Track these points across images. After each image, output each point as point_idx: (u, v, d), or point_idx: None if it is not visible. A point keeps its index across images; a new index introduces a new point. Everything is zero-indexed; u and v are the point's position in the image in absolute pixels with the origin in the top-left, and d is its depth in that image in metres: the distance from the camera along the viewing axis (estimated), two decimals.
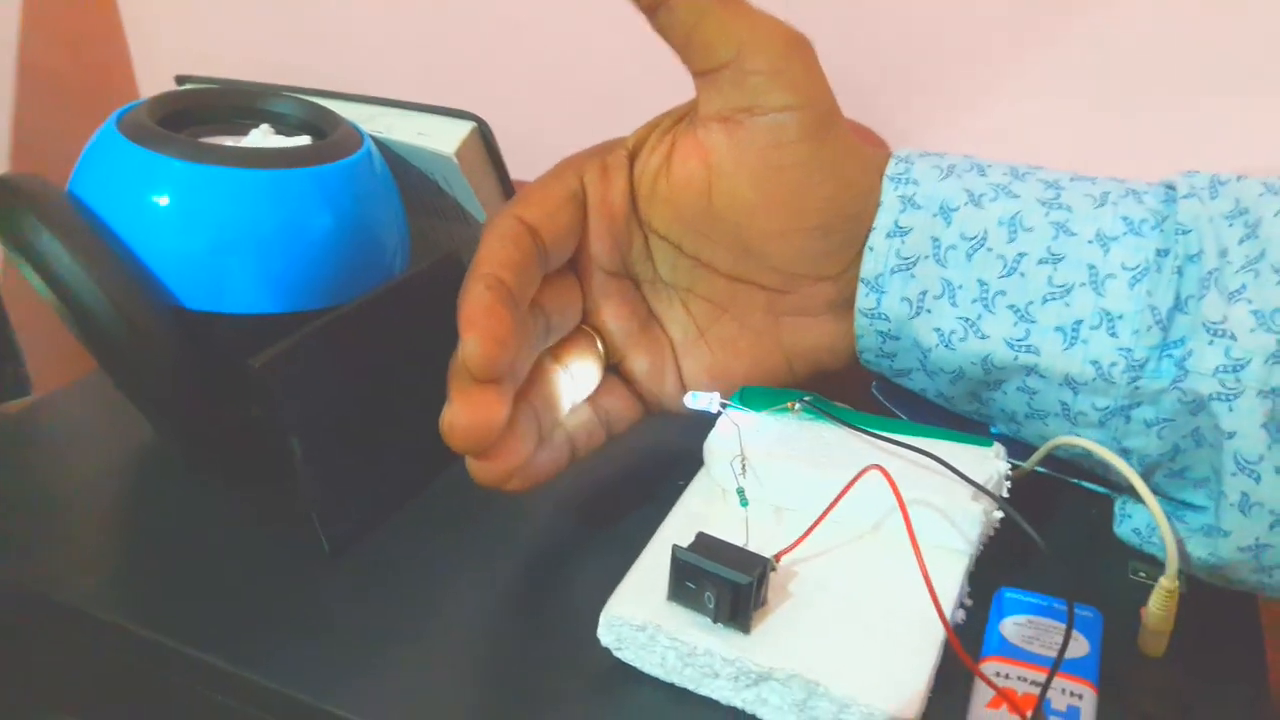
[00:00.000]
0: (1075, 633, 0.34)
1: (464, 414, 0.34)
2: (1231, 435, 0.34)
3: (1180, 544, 0.37)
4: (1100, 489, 0.43)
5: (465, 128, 0.47)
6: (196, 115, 0.44)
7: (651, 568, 0.36)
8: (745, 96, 0.38)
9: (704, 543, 0.34)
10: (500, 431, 0.35)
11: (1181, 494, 0.38)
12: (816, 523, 0.35)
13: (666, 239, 0.41)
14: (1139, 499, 0.37)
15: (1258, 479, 0.34)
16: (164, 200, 0.39)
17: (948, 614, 0.34)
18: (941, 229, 0.38)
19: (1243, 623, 0.39)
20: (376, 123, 0.48)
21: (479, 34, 0.56)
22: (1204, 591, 0.38)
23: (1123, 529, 0.40)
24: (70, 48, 0.64)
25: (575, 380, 0.40)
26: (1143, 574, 0.40)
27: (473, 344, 0.33)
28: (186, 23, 0.63)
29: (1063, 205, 0.38)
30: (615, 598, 0.35)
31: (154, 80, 0.66)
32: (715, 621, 0.33)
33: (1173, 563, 0.35)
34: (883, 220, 0.39)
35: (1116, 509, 0.41)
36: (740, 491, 0.37)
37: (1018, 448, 0.41)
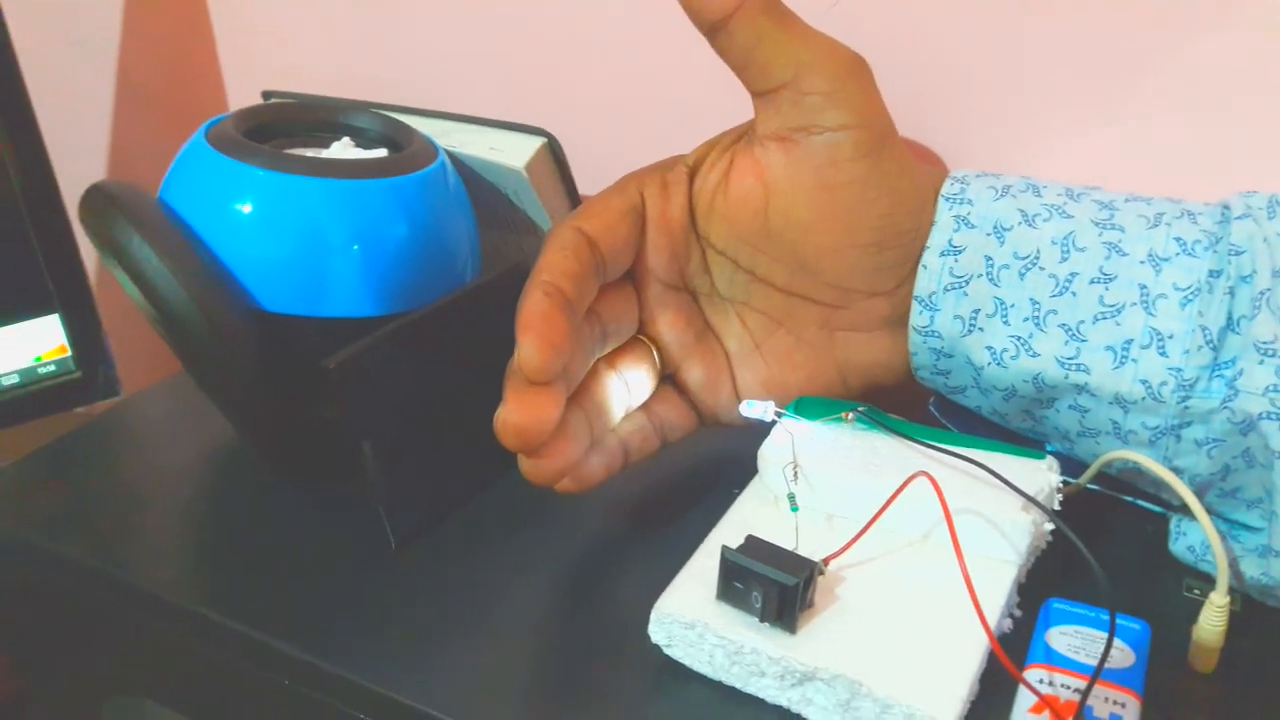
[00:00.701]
0: (1121, 643, 0.34)
1: (517, 413, 0.35)
2: None
3: (1234, 563, 0.37)
4: (1155, 508, 0.43)
5: (535, 143, 0.49)
6: (281, 128, 0.47)
7: (702, 568, 0.37)
8: (802, 116, 0.39)
9: (753, 545, 0.35)
10: (551, 431, 0.36)
11: (1235, 514, 0.38)
12: (865, 528, 0.36)
13: (724, 254, 0.42)
14: (1193, 517, 0.37)
15: None
16: (248, 208, 0.41)
17: (993, 623, 0.34)
18: (995, 248, 0.39)
19: None
20: (451, 138, 0.50)
21: (550, 52, 0.58)
22: (1258, 610, 0.38)
23: (1177, 546, 0.41)
24: (165, 62, 0.67)
25: (630, 387, 0.41)
26: (1196, 591, 0.40)
27: (528, 346, 0.35)
28: (274, 39, 0.66)
29: (1116, 225, 0.38)
30: (666, 596, 0.36)
31: (243, 94, 0.69)
32: (762, 621, 0.34)
33: (1224, 578, 0.35)
34: (937, 239, 0.40)
35: (1171, 527, 0.41)
36: (791, 496, 0.38)
37: (1073, 466, 0.42)
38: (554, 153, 0.49)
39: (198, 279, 0.40)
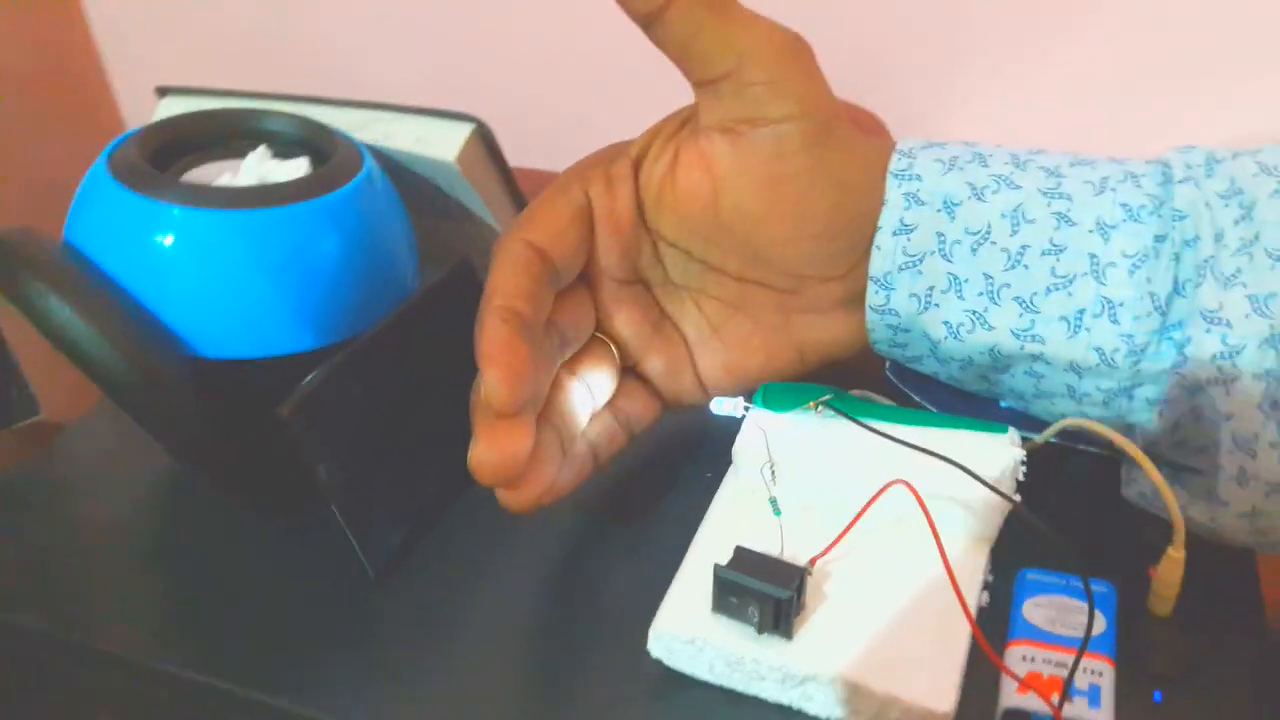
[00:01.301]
0: (1100, 613, 0.36)
1: (491, 451, 0.35)
2: (1229, 417, 0.36)
3: (1184, 508, 0.39)
4: (1104, 453, 0.45)
5: (464, 130, 0.47)
6: (188, 143, 0.44)
7: (692, 579, 0.38)
8: (746, 108, 0.38)
9: (742, 558, 0.36)
10: (527, 461, 0.36)
11: (1183, 459, 0.40)
12: (846, 530, 0.37)
13: (675, 245, 0.42)
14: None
15: (1254, 455, 0.36)
16: (168, 250, 0.39)
17: (971, 601, 0.36)
18: (946, 224, 0.39)
19: (1241, 576, 0.41)
20: (371, 130, 0.48)
21: (468, 28, 0.55)
22: (1204, 548, 0.41)
23: (1130, 491, 0.43)
24: (35, 49, 0.62)
25: (593, 391, 0.41)
26: (1148, 532, 0.42)
27: (493, 380, 0.34)
28: (161, 28, 0.61)
29: (1063, 194, 0.39)
30: (662, 613, 0.37)
31: (131, 85, 0.64)
32: (760, 632, 0.35)
33: (1179, 534, 0.37)
34: (888, 218, 0.40)
35: (1123, 473, 0.43)
36: (773, 501, 0.39)
37: (1027, 419, 0.43)
38: (485, 139, 0.48)
39: (127, 336, 0.38)
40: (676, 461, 0.46)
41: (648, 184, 0.41)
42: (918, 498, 0.35)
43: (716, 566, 0.35)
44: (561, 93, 0.54)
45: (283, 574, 0.43)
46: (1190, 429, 0.39)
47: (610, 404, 0.42)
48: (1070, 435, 0.44)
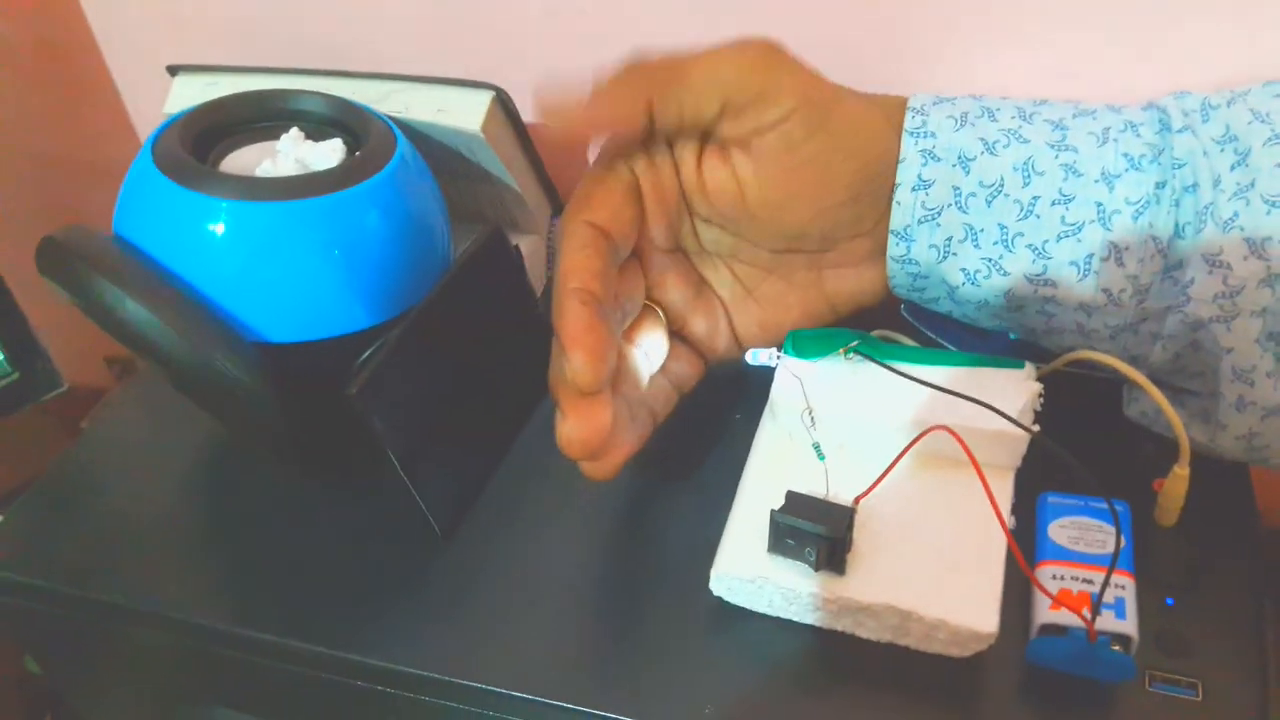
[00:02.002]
0: (1113, 528, 0.40)
1: (580, 428, 0.38)
2: (1230, 351, 0.39)
3: (1185, 427, 0.43)
4: (1106, 376, 0.48)
5: (485, 99, 0.48)
6: (225, 128, 0.45)
7: (746, 520, 0.41)
8: (747, 124, 0.40)
9: (795, 501, 0.39)
10: (610, 434, 0.38)
11: (1181, 383, 0.44)
12: (888, 470, 0.40)
13: (709, 221, 0.44)
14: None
15: (1252, 384, 0.40)
16: (221, 241, 0.40)
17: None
18: (961, 178, 0.42)
19: (1236, 487, 0.45)
20: (391, 102, 0.49)
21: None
22: (1201, 462, 0.44)
23: (1131, 410, 0.46)
24: (24, 23, 0.61)
25: (649, 357, 0.43)
26: (1150, 448, 0.46)
27: (580, 362, 0.37)
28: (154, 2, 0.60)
29: (1070, 146, 0.41)
30: (721, 555, 0.40)
31: (130, 60, 0.63)
32: (816, 570, 0.38)
33: (1185, 454, 0.41)
34: (906, 175, 0.42)
35: (1125, 394, 0.47)
36: (816, 446, 0.42)
37: (1033, 348, 0.47)
38: (505, 106, 0.49)
39: (197, 326, 0.39)
40: (703, 407, 0.48)
41: (681, 163, 0.43)
42: (959, 440, 0.38)
43: (773, 511, 0.38)
44: (572, 55, 0.55)
45: (349, 539, 0.45)
46: (1189, 358, 0.42)
47: (662, 368, 0.44)
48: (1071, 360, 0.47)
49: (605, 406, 0.38)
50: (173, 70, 0.53)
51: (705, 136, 0.42)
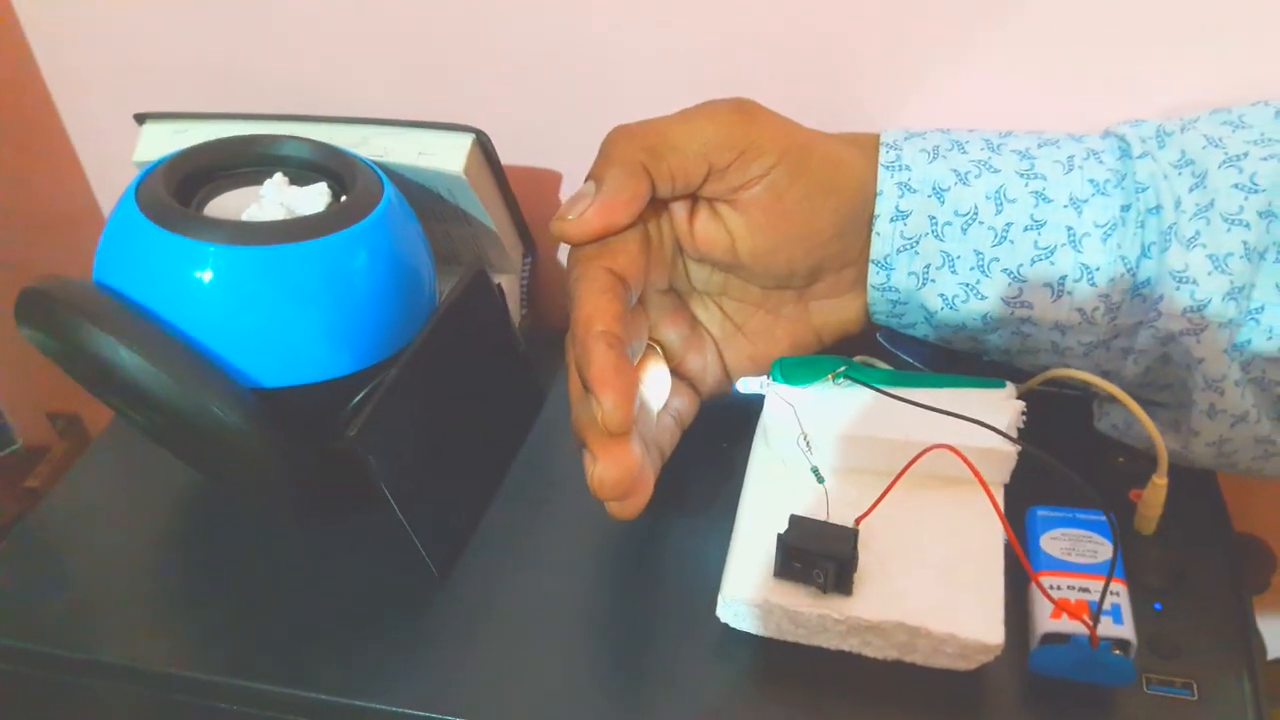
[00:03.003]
0: (1104, 539, 0.41)
1: (612, 469, 0.38)
2: (1200, 361, 0.41)
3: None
4: (1075, 392, 0.50)
5: (466, 141, 0.48)
6: (207, 174, 0.45)
7: (748, 546, 0.41)
8: (732, 182, 0.42)
9: (799, 525, 0.40)
10: (638, 474, 0.39)
11: (1151, 395, 0.46)
12: (888, 489, 0.41)
13: (701, 263, 0.45)
14: (1113, 400, 0.44)
15: (1221, 393, 0.42)
16: (209, 286, 0.40)
17: (1003, 541, 0.41)
18: (937, 208, 0.43)
19: (1206, 493, 0.47)
20: (370, 146, 0.49)
21: (455, 37, 0.55)
22: (1172, 472, 0.46)
23: (1103, 424, 0.48)
24: None
25: (656, 395, 0.44)
26: (1122, 459, 0.47)
27: (610, 404, 0.37)
28: (104, 49, 0.59)
29: (1037, 174, 0.43)
30: (728, 581, 0.40)
31: (82, 105, 0.62)
32: (825, 592, 0.39)
33: (1163, 463, 0.43)
34: (884, 207, 0.44)
35: (1095, 408, 0.48)
36: (815, 470, 0.42)
37: (1006, 370, 0.48)
38: (484, 148, 0.49)
39: (191, 374, 0.39)
40: (691, 437, 0.48)
41: (675, 215, 0.44)
42: (962, 458, 0.39)
43: (780, 535, 0.39)
44: (552, 99, 0.56)
45: (342, 584, 0.45)
46: (1159, 370, 0.44)
47: (664, 403, 0.45)
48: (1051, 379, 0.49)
49: (634, 448, 0.39)
50: (140, 118, 0.52)
51: (693, 196, 0.43)
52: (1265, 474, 0.44)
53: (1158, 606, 0.42)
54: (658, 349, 0.45)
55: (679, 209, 0.44)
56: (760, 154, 0.41)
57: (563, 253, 0.61)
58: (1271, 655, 0.58)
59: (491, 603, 0.44)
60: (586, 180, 0.42)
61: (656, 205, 0.43)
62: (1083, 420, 0.49)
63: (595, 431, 0.38)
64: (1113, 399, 0.45)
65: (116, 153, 0.54)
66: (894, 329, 0.48)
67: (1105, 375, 0.45)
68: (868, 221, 0.44)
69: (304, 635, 0.43)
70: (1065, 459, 0.39)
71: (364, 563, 0.45)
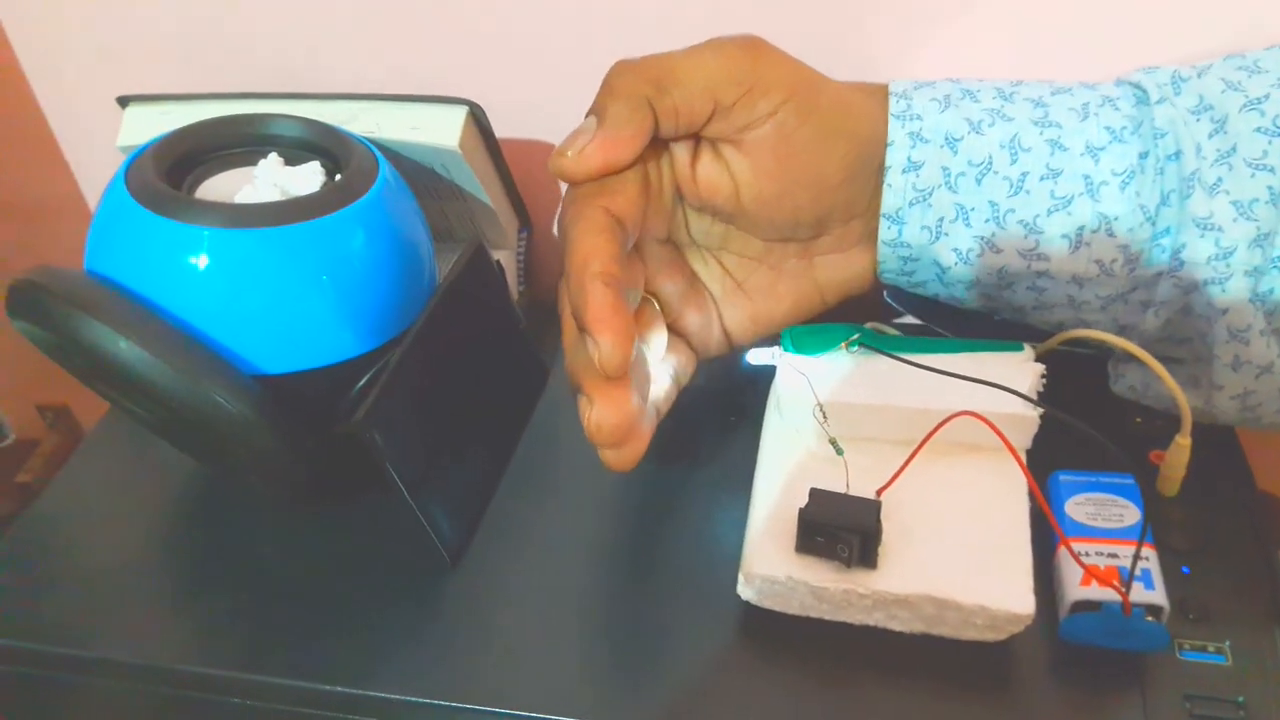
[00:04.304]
0: (1129, 503, 0.40)
1: (609, 413, 0.37)
2: (1225, 311, 0.40)
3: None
4: (1089, 352, 0.49)
5: (460, 114, 0.47)
6: (200, 156, 0.43)
7: (766, 521, 0.40)
8: (739, 120, 0.40)
9: (820, 499, 0.39)
10: (635, 420, 0.38)
11: (1168, 351, 0.45)
12: (910, 458, 0.40)
13: (701, 212, 0.44)
14: (1129, 359, 0.44)
15: (1247, 343, 0.41)
16: (206, 272, 0.39)
17: (1027, 509, 0.40)
18: (950, 158, 0.42)
19: (1228, 453, 0.46)
20: (361, 122, 0.47)
21: (444, 4, 0.53)
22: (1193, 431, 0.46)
23: (1119, 386, 0.47)
24: None
25: (652, 349, 0.42)
26: (1139, 420, 0.47)
27: (608, 344, 0.35)
28: (82, 31, 0.57)
29: (1053, 123, 0.42)
30: (748, 558, 0.39)
31: (60, 90, 0.60)
32: (849, 566, 0.38)
33: (1187, 423, 0.42)
34: (896, 157, 0.42)
35: (1111, 369, 0.48)
36: (834, 441, 0.41)
37: (1019, 329, 0.47)
38: (478, 121, 0.48)
39: (193, 363, 0.38)
40: (697, 411, 0.47)
41: (676, 160, 0.42)
42: (989, 424, 0.38)
43: (802, 510, 0.38)
44: (542, 64, 0.54)
45: (351, 572, 0.44)
46: (1179, 323, 0.43)
47: (661, 359, 0.44)
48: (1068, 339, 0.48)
49: (630, 391, 0.37)
50: (123, 101, 0.50)
51: (696, 137, 0.42)
52: None
53: (1185, 570, 0.41)
54: (654, 302, 0.43)
55: (681, 151, 0.42)
56: (768, 91, 0.40)
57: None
58: None
59: (504, 586, 0.43)
60: (588, 115, 0.40)
61: (657, 147, 0.42)
62: (1097, 382, 0.48)
63: (592, 375, 0.37)
64: (1129, 359, 0.45)
65: (99, 137, 0.53)
66: (904, 289, 0.47)
67: (1122, 331, 0.44)
68: (876, 171, 0.43)
69: (313, 625, 0.42)
70: (1085, 421, 0.39)
71: (371, 549, 0.44)
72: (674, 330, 0.45)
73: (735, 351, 0.46)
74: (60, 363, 0.41)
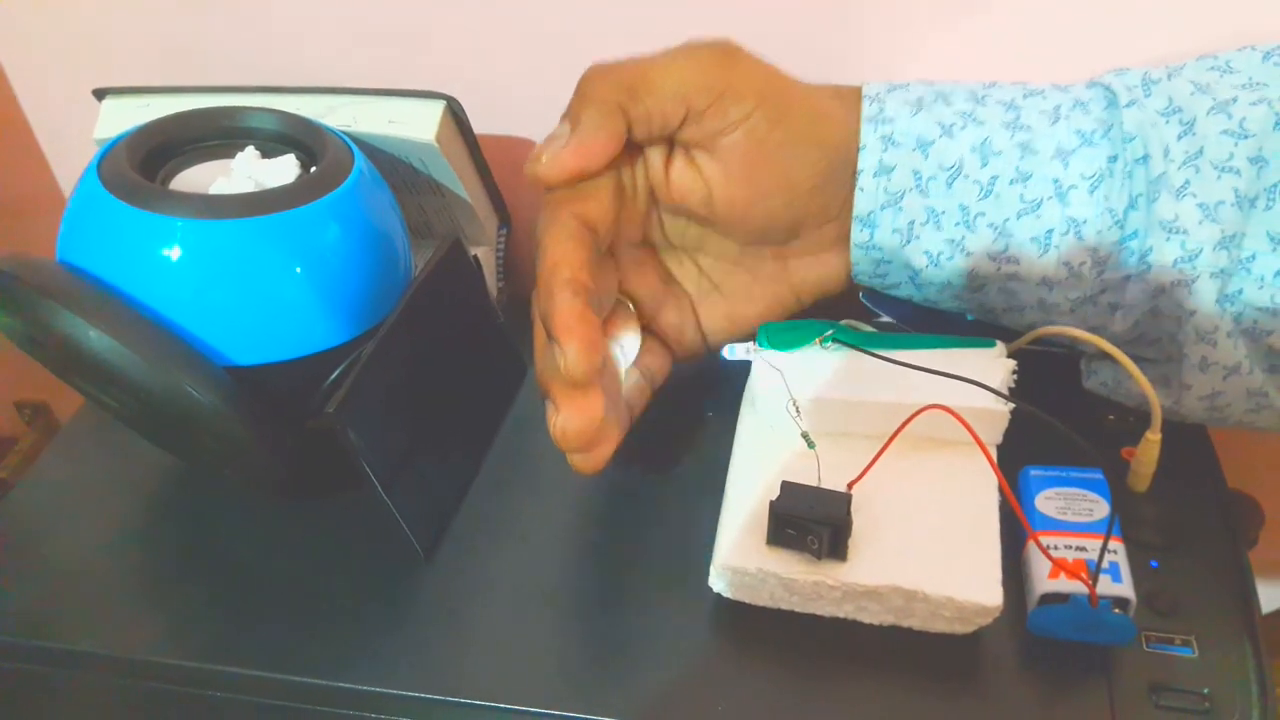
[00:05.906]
0: (1098, 497, 0.41)
1: (574, 419, 0.37)
2: (1192, 313, 0.41)
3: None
4: (1061, 350, 0.50)
5: (438, 108, 0.47)
6: (172, 146, 0.43)
7: (739, 514, 0.40)
8: (711, 126, 0.41)
9: (791, 491, 0.39)
10: (601, 424, 0.38)
11: (1139, 351, 0.45)
12: (881, 452, 0.40)
13: (677, 215, 0.44)
14: (1102, 357, 0.44)
15: (1214, 344, 0.41)
16: (180, 263, 0.39)
17: (997, 503, 0.40)
18: (921, 162, 0.42)
19: (1198, 449, 0.47)
20: (337, 115, 0.47)
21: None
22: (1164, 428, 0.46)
23: (1091, 383, 0.47)
24: None
25: (625, 351, 0.43)
26: (1111, 417, 0.47)
27: (574, 352, 0.36)
28: (57, 26, 0.57)
29: (1023, 126, 0.42)
30: (720, 549, 0.39)
31: (37, 82, 0.60)
32: (819, 558, 0.38)
33: (1157, 419, 0.42)
34: (867, 161, 0.43)
35: (1082, 366, 0.48)
36: (805, 435, 0.42)
37: (991, 329, 0.47)
38: (456, 116, 0.48)
39: (165, 354, 0.38)
40: (673, 406, 0.47)
41: (650, 164, 0.43)
42: (959, 418, 0.38)
43: (773, 503, 0.38)
44: (521, 58, 0.55)
45: (324, 565, 0.44)
46: (1148, 325, 0.43)
47: (635, 360, 0.44)
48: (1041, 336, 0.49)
49: (597, 397, 0.37)
50: (99, 94, 0.50)
51: (669, 141, 0.42)
52: (1257, 427, 0.44)
53: (1154, 564, 0.41)
54: (628, 304, 0.44)
55: (654, 155, 0.42)
56: (739, 98, 0.40)
57: None
58: (1265, 610, 0.57)
59: (478, 579, 0.43)
60: (562, 120, 0.40)
61: (631, 151, 0.42)
62: (1069, 379, 0.48)
63: (558, 381, 0.37)
64: (1101, 356, 0.45)
65: (75, 130, 0.52)
66: (878, 290, 0.47)
67: (1092, 331, 0.44)
68: (849, 176, 0.43)
69: (287, 617, 0.42)
70: (1056, 418, 0.39)
71: (346, 542, 0.44)
72: (649, 330, 0.45)
73: (711, 351, 0.47)
74: (33, 354, 0.41)
